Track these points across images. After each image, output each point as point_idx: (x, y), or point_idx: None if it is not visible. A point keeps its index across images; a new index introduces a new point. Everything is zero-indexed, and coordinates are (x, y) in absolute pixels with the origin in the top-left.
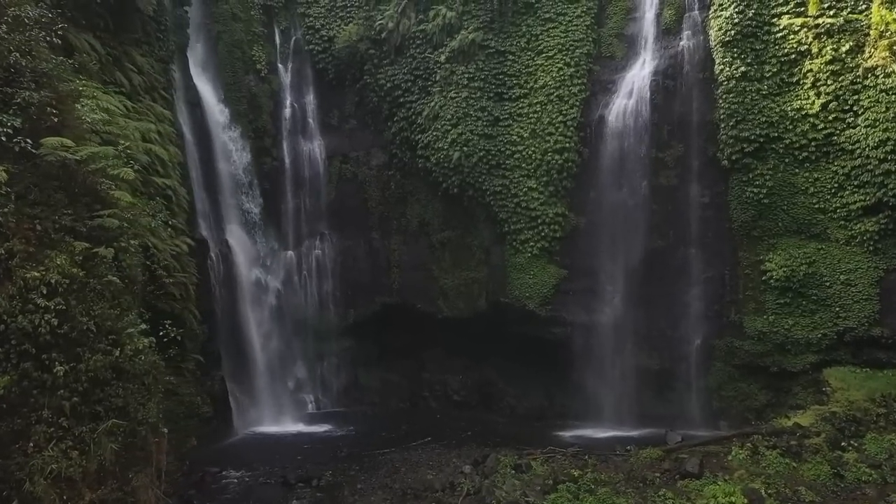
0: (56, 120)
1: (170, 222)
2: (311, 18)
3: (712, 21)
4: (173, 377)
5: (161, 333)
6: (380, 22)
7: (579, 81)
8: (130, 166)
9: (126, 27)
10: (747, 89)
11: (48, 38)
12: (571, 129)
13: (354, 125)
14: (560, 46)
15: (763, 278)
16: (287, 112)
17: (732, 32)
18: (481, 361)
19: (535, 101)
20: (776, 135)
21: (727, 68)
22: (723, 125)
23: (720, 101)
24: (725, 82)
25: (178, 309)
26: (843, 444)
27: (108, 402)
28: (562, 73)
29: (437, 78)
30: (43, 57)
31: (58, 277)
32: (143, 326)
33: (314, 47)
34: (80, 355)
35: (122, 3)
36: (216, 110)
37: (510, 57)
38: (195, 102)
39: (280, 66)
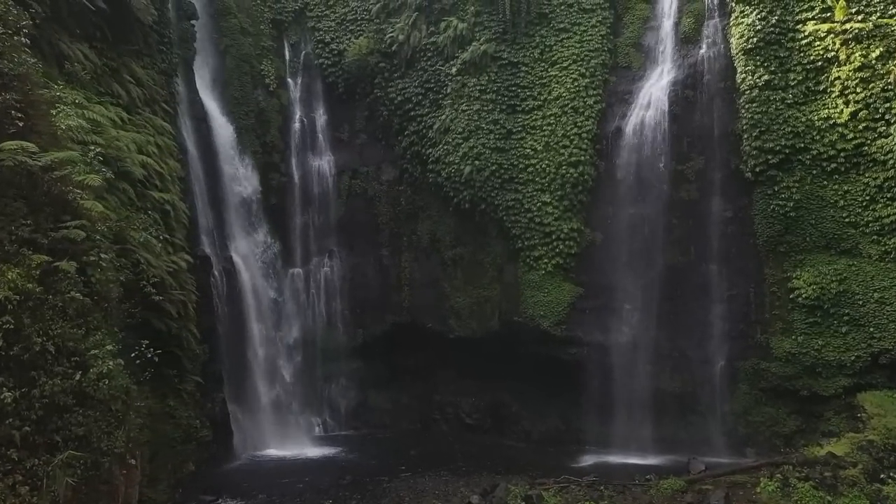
0: (22, 125)
1: (161, 237)
2: (321, 32)
3: (733, 28)
4: (171, 399)
5: (133, 354)
6: (390, 35)
7: (595, 92)
8: (102, 174)
9: (125, 38)
10: (771, 98)
11: (20, 41)
12: (587, 141)
13: (365, 140)
14: (575, 57)
15: (791, 296)
16: (296, 127)
17: (755, 40)
18: (495, 383)
19: (548, 113)
20: (803, 145)
21: (750, 77)
22: (746, 136)
23: (743, 111)
24: (748, 91)
25: (176, 328)
26: (881, 475)
27: (68, 431)
28: (576, 84)
29: (449, 90)
30: (8, 58)
31: (7, 293)
32: (110, 347)
33: (324, 61)
34: (34, 379)
35: (121, 13)
36: (222, 125)
37: (523, 68)
38: (201, 117)
39: (289, 80)
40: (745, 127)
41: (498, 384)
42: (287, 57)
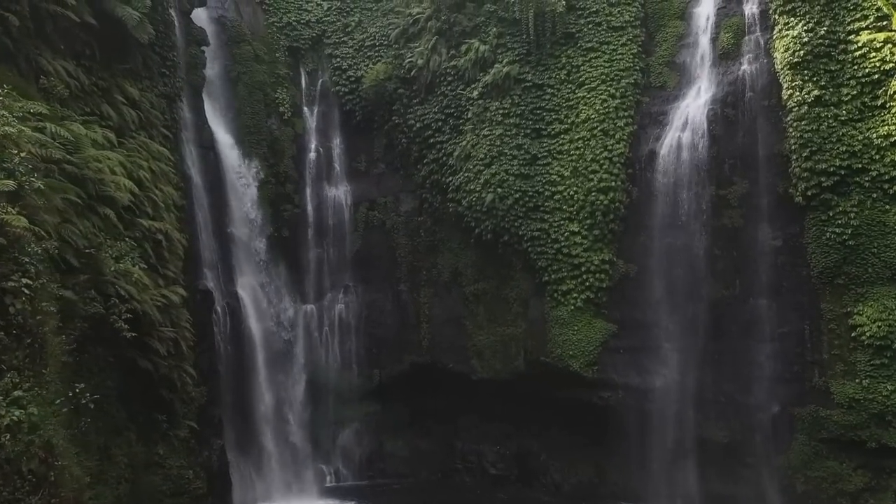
0: None
1: (141, 266)
2: (338, 59)
3: (777, 42)
4: (161, 447)
5: (74, 396)
6: (409, 60)
7: (626, 114)
8: (24, 180)
9: (119, 58)
10: (822, 115)
11: None
12: (618, 165)
13: (383, 169)
14: (604, 77)
15: (852, 335)
16: (311, 157)
17: (802, 53)
18: (521, 429)
19: (576, 136)
20: (860, 166)
21: (797, 93)
22: (795, 157)
23: (790, 131)
24: (796, 109)
25: (166, 368)
26: None
27: None
28: (606, 105)
29: (470, 115)
30: None
31: None
32: (20, 393)
33: (341, 88)
34: None
35: (113, 30)
36: (232, 153)
37: (549, 90)
38: (208, 145)
39: (305, 108)
40: (793, 147)
41: (525, 430)
42: (303, 85)
